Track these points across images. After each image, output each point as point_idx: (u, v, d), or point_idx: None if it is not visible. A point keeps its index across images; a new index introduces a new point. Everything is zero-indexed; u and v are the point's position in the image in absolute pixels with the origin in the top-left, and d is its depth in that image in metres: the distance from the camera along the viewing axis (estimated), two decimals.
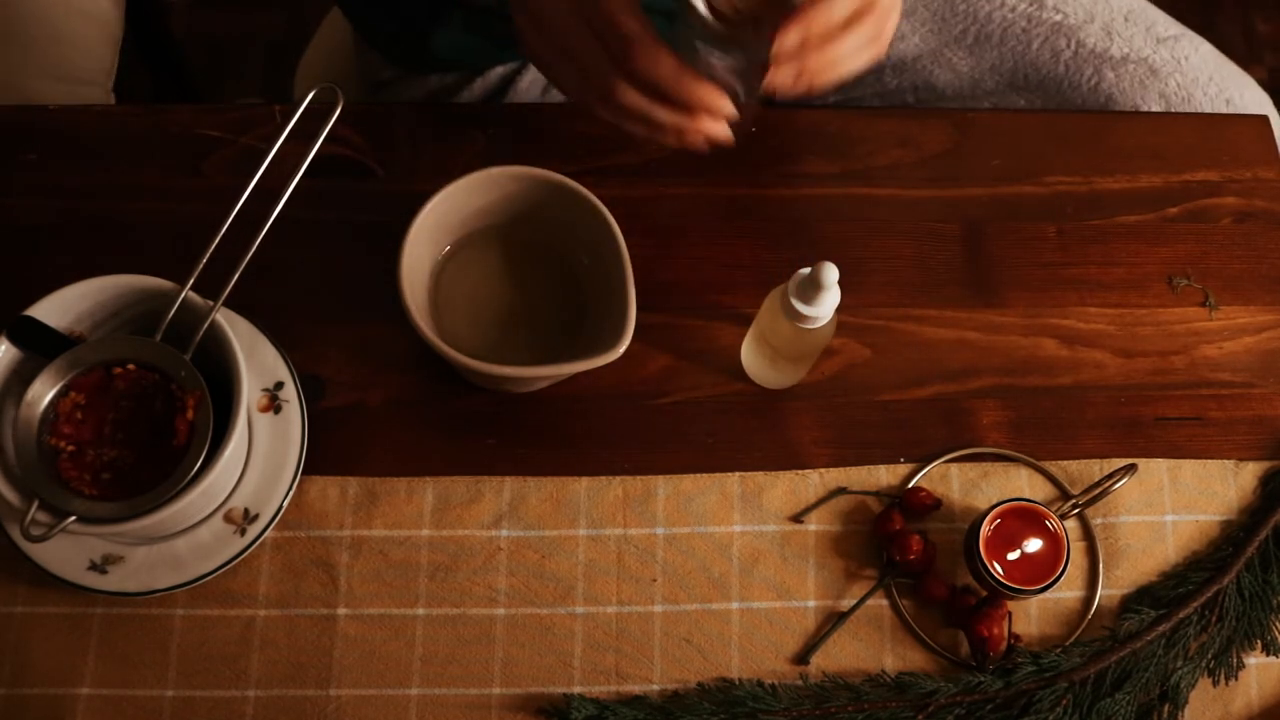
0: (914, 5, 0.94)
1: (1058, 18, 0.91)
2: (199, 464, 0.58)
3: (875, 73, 0.94)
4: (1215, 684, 0.67)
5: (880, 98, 0.94)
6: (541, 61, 0.65)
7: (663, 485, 0.69)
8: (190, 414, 0.59)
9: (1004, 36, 0.92)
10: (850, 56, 0.59)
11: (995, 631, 0.65)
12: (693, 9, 0.57)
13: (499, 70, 0.91)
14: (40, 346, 0.60)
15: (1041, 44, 0.91)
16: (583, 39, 0.60)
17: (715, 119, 0.60)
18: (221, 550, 0.64)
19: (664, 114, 0.60)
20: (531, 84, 0.91)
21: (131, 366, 0.61)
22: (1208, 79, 0.89)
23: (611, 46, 0.59)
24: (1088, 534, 0.70)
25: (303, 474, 0.66)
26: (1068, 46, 0.90)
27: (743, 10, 0.57)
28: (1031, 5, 0.92)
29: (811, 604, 0.67)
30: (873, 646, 0.67)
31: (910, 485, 0.70)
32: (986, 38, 0.92)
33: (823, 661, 0.66)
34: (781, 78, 0.57)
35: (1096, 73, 0.89)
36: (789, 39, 0.56)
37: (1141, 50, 0.89)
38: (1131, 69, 0.88)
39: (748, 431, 0.70)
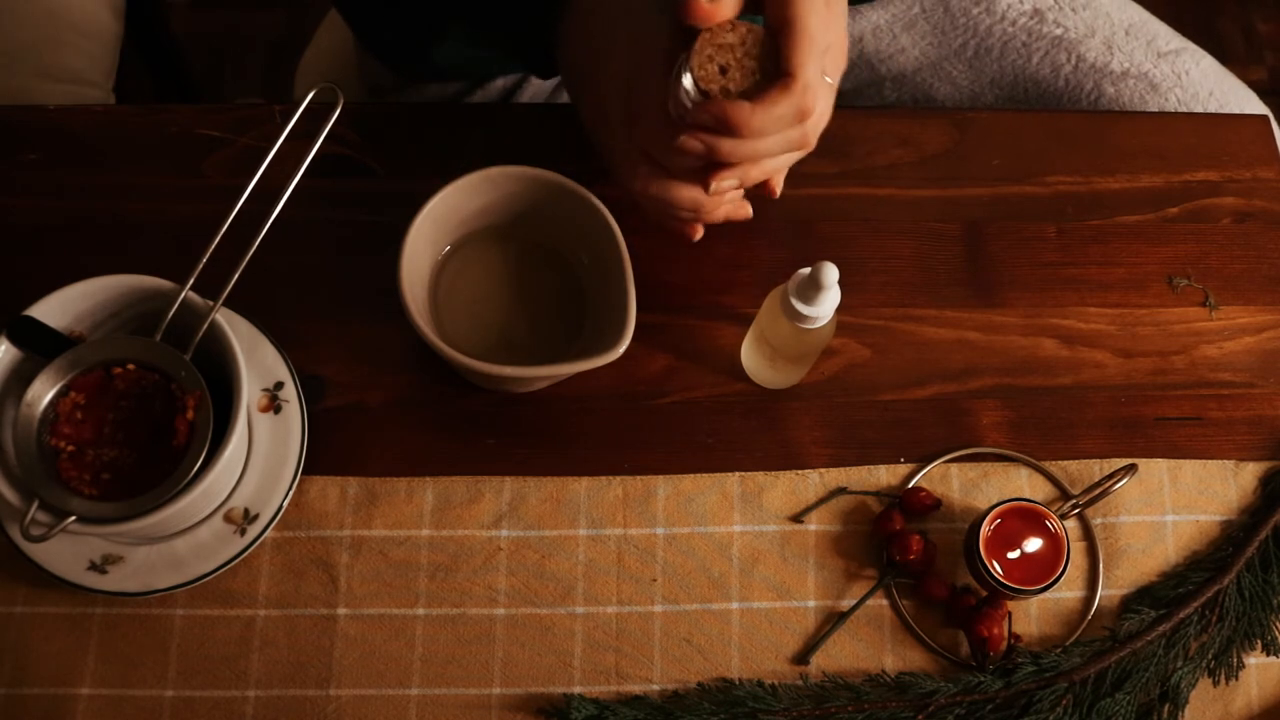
0: (914, 18, 0.94)
1: (1058, 32, 0.91)
2: (199, 464, 0.58)
3: (874, 85, 0.94)
4: (1215, 684, 0.67)
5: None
6: (591, 131, 0.68)
7: (663, 485, 0.69)
8: (190, 414, 0.59)
9: (1004, 50, 0.92)
10: (769, 150, 0.59)
11: (995, 631, 0.65)
12: (681, 88, 0.57)
13: (500, 83, 0.91)
14: (40, 346, 0.60)
15: (1042, 58, 0.91)
16: (619, 117, 0.63)
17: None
18: (221, 550, 0.64)
19: (684, 192, 0.63)
20: (533, 97, 0.91)
21: (131, 366, 0.61)
22: (1208, 94, 0.89)
23: (638, 125, 0.61)
24: (1088, 534, 0.70)
25: (303, 474, 0.66)
26: (1068, 61, 0.90)
27: (732, 91, 0.57)
28: (1032, 19, 0.92)
29: (811, 604, 0.67)
30: (873, 646, 0.67)
31: (910, 485, 0.70)
32: (986, 51, 0.92)
33: (823, 661, 0.66)
34: (713, 150, 0.58)
35: (1096, 87, 0.89)
36: (698, 141, 0.57)
37: (1142, 65, 0.89)
38: (1132, 84, 0.88)
39: (748, 431, 0.70)
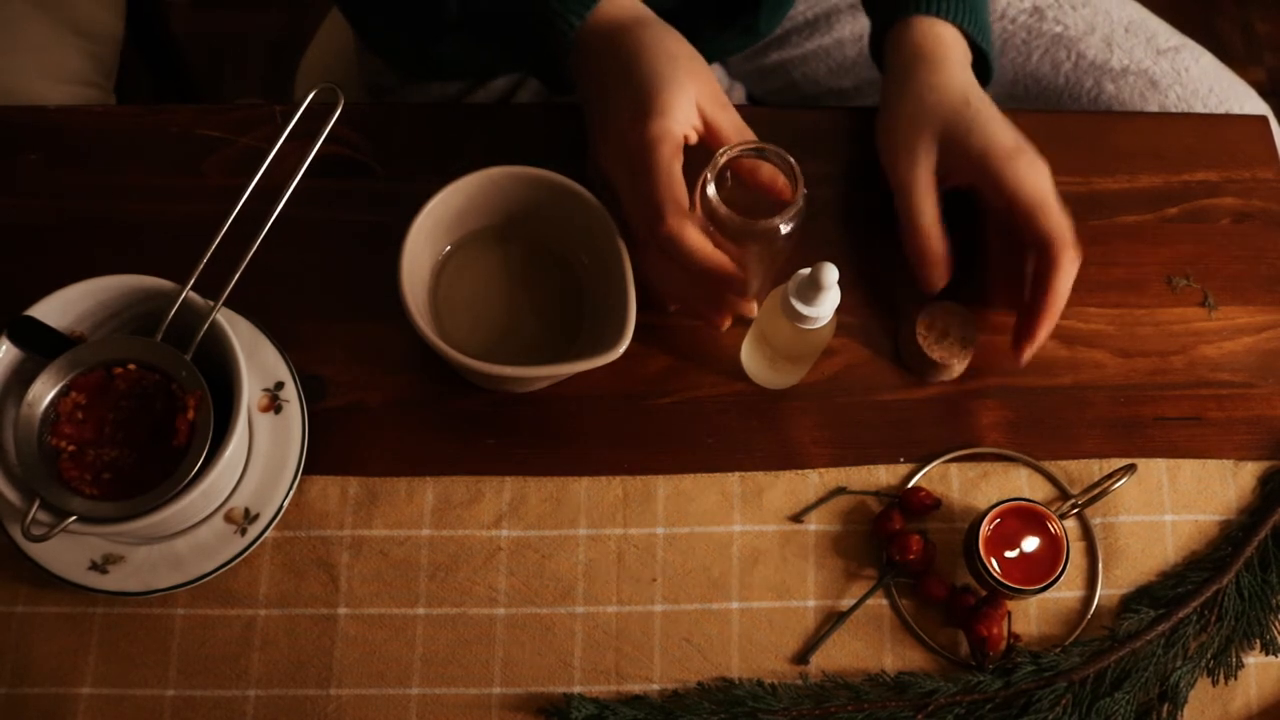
0: None
1: (1058, 29, 0.91)
2: (199, 464, 0.58)
3: (875, 84, 0.94)
4: (1214, 683, 0.67)
5: None
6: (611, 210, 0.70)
7: (663, 485, 0.69)
8: (191, 414, 0.59)
9: (1004, 48, 0.92)
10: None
11: (995, 631, 0.65)
12: (707, 200, 0.61)
13: (501, 81, 0.91)
14: (41, 346, 0.60)
15: (1042, 55, 0.91)
16: (633, 204, 0.64)
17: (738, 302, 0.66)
18: (222, 550, 0.64)
19: (700, 299, 0.66)
20: (533, 96, 0.92)
21: (132, 366, 0.61)
22: (1208, 90, 0.89)
23: (649, 213, 0.63)
24: (1087, 534, 0.70)
25: (303, 474, 0.66)
26: (1068, 58, 0.90)
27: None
28: (1031, 17, 0.92)
29: (811, 604, 0.67)
30: (873, 646, 0.67)
31: (910, 485, 0.70)
32: None
33: (823, 661, 0.66)
34: (1026, 357, 0.69)
35: (1097, 84, 0.89)
36: (1040, 341, 0.68)
37: (1142, 62, 0.89)
38: (1132, 81, 0.89)
39: (748, 431, 0.70)
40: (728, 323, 0.69)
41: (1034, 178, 0.67)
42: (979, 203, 0.72)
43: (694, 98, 0.64)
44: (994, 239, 0.72)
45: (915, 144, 0.69)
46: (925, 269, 0.70)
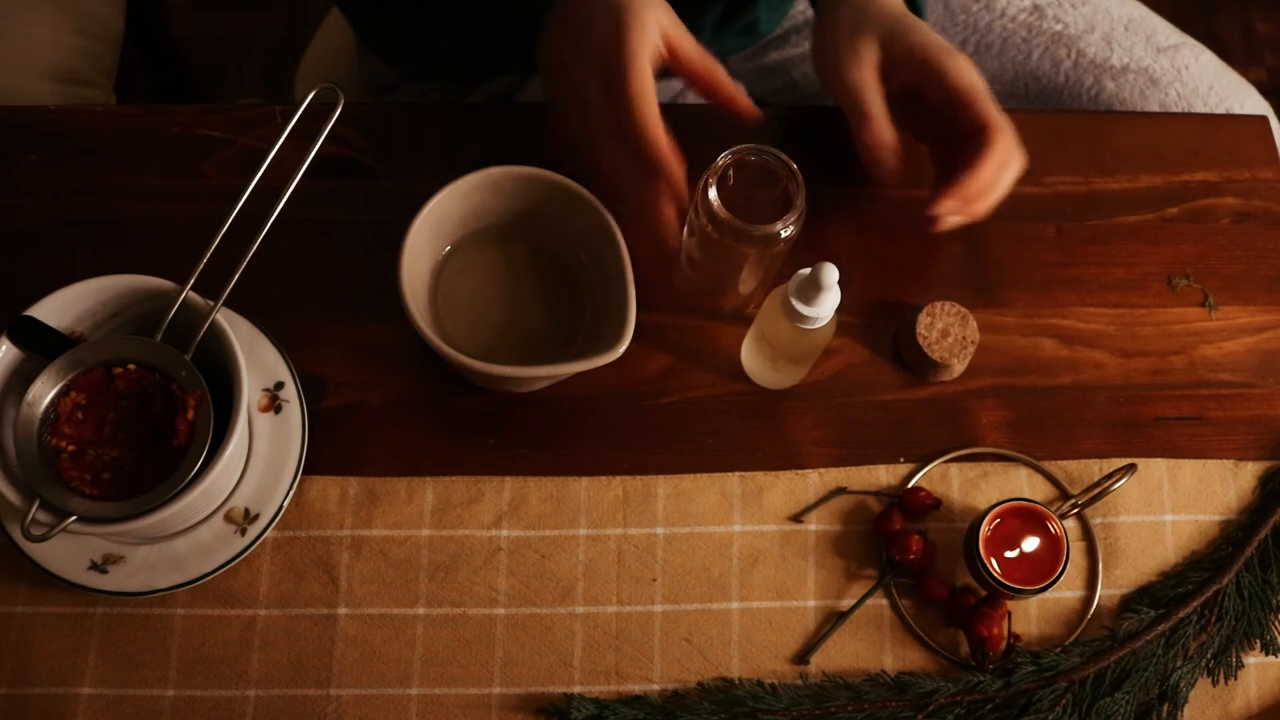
0: None
1: (1058, 27, 0.91)
2: (199, 464, 0.58)
3: None
4: (1214, 683, 0.67)
5: None
6: (560, 115, 0.70)
7: (663, 485, 0.69)
8: (191, 414, 0.59)
9: (1004, 47, 0.92)
10: (997, 192, 0.69)
11: (995, 631, 0.65)
12: (708, 202, 0.62)
13: (501, 81, 0.91)
14: (41, 346, 0.60)
15: (1042, 54, 0.91)
16: (601, 105, 0.64)
17: (666, 215, 0.66)
18: (222, 550, 0.64)
19: (631, 188, 0.66)
20: (533, 97, 0.92)
21: (132, 366, 0.61)
22: (1208, 88, 0.89)
23: (613, 104, 0.63)
24: (1087, 534, 0.70)
25: (303, 474, 0.66)
26: (1068, 56, 0.90)
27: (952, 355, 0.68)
28: (1032, 15, 0.92)
29: (811, 604, 0.67)
30: (873, 646, 0.67)
31: (910, 485, 0.70)
32: (987, 48, 0.92)
33: (822, 661, 0.66)
34: (947, 211, 0.68)
35: (1097, 82, 0.89)
36: (946, 205, 0.68)
37: (1142, 60, 0.90)
38: (1132, 79, 0.89)
39: (748, 431, 0.70)
40: (666, 232, 0.67)
41: (971, 72, 0.69)
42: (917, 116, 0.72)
43: (660, 18, 0.65)
44: (935, 149, 0.74)
45: (859, 45, 0.70)
46: (877, 155, 0.69)
